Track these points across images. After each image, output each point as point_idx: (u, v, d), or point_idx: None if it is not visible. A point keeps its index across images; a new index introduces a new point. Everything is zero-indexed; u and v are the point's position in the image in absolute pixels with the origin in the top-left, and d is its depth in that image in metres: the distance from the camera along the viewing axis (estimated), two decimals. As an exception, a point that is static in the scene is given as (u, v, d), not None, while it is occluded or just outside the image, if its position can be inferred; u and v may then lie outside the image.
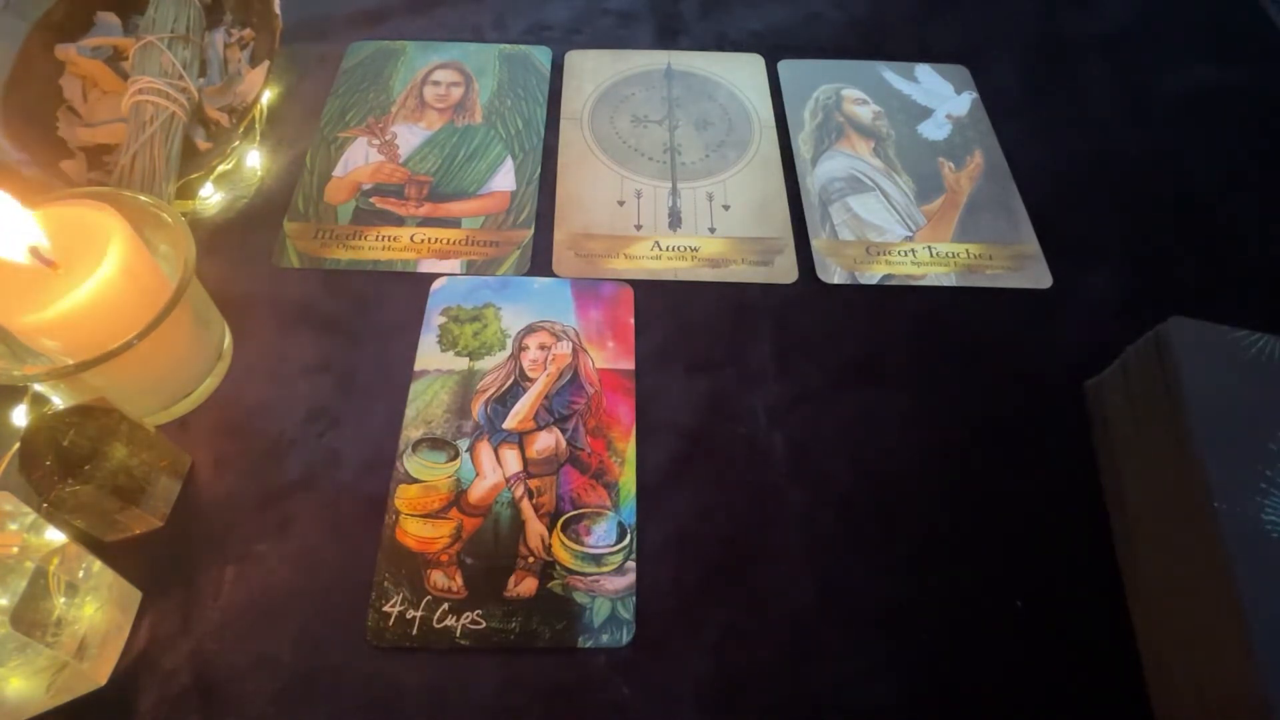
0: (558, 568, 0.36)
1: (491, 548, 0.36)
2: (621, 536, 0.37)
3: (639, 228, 0.48)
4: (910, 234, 0.48)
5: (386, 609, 0.34)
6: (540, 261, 0.46)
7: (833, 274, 0.46)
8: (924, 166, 0.51)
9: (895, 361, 0.43)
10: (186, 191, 0.47)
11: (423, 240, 0.47)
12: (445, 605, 0.35)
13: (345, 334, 0.43)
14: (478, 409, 0.40)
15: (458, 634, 0.34)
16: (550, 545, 0.36)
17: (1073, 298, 0.46)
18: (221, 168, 0.48)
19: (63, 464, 0.32)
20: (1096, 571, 0.37)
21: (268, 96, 0.52)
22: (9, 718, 0.30)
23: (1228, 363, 0.34)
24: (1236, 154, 0.52)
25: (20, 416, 0.38)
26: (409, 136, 0.51)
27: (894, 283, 0.46)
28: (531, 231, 0.47)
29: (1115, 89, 0.56)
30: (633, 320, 0.44)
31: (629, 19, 0.59)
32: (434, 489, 0.38)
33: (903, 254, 0.47)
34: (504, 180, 0.50)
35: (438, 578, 0.35)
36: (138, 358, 0.35)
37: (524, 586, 0.35)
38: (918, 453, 0.40)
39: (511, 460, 0.39)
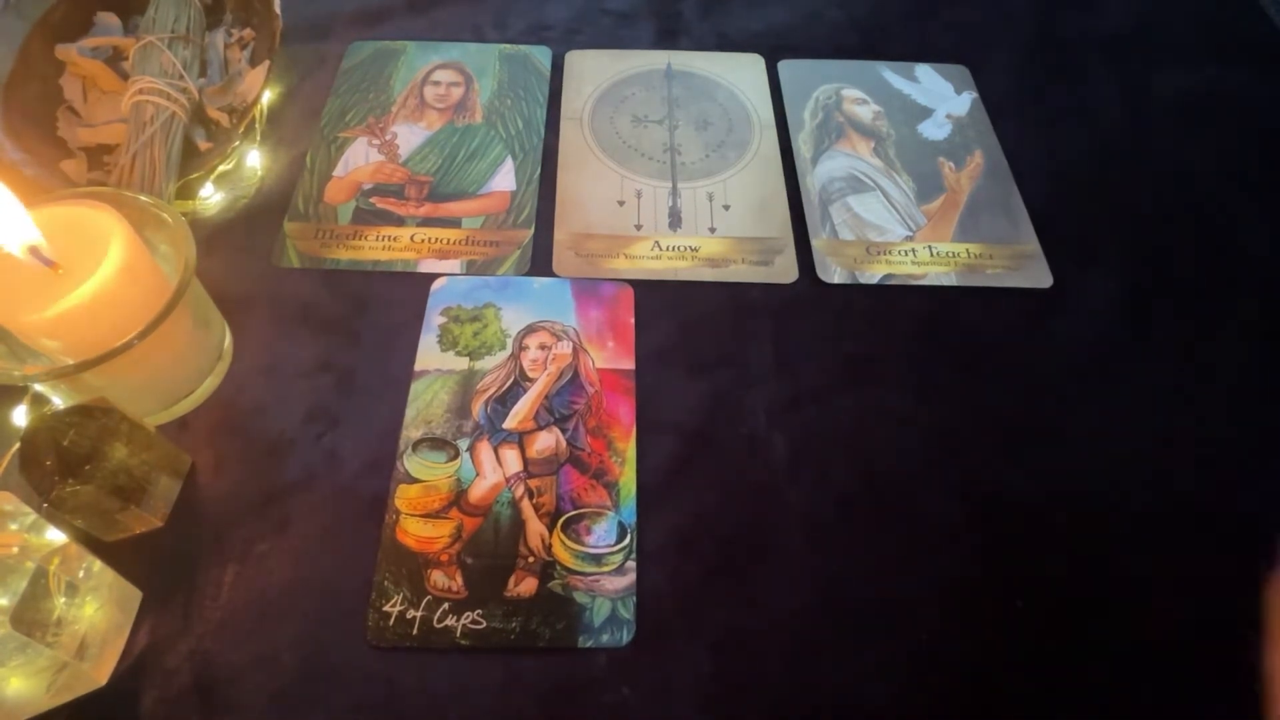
0: (558, 568, 0.36)
1: (491, 548, 0.36)
2: (621, 536, 0.37)
3: (639, 228, 0.48)
4: (910, 234, 0.48)
5: (386, 609, 0.34)
6: (540, 261, 0.46)
7: (833, 274, 0.46)
8: (924, 166, 0.51)
9: (895, 361, 0.43)
10: (186, 191, 0.47)
11: (423, 240, 0.47)
12: (445, 605, 0.35)
13: (345, 334, 0.43)
14: (478, 409, 0.40)
15: (458, 634, 0.34)
16: (550, 545, 0.36)
17: (1073, 298, 0.46)
18: (221, 168, 0.48)
19: (63, 464, 0.32)
20: (1096, 571, 0.37)
21: (268, 96, 0.52)
22: (9, 717, 0.30)
23: None
24: (1236, 154, 0.52)
25: (20, 416, 0.38)
26: (409, 136, 0.51)
27: (894, 282, 0.46)
28: (531, 231, 0.47)
29: (1115, 89, 0.56)
30: (633, 320, 0.44)
31: (629, 19, 0.59)
32: (434, 489, 0.38)
33: (903, 254, 0.47)
34: (504, 180, 0.50)
35: (438, 578, 0.35)
36: (138, 358, 0.35)
37: (524, 586, 0.35)
38: (917, 453, 0.40)
39: (511, 460, 0.39)
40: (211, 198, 0.48)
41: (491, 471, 0.38)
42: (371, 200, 0.48)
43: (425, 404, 0.40)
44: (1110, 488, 0.39)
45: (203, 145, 0.47)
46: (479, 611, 0.34)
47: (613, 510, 0.37)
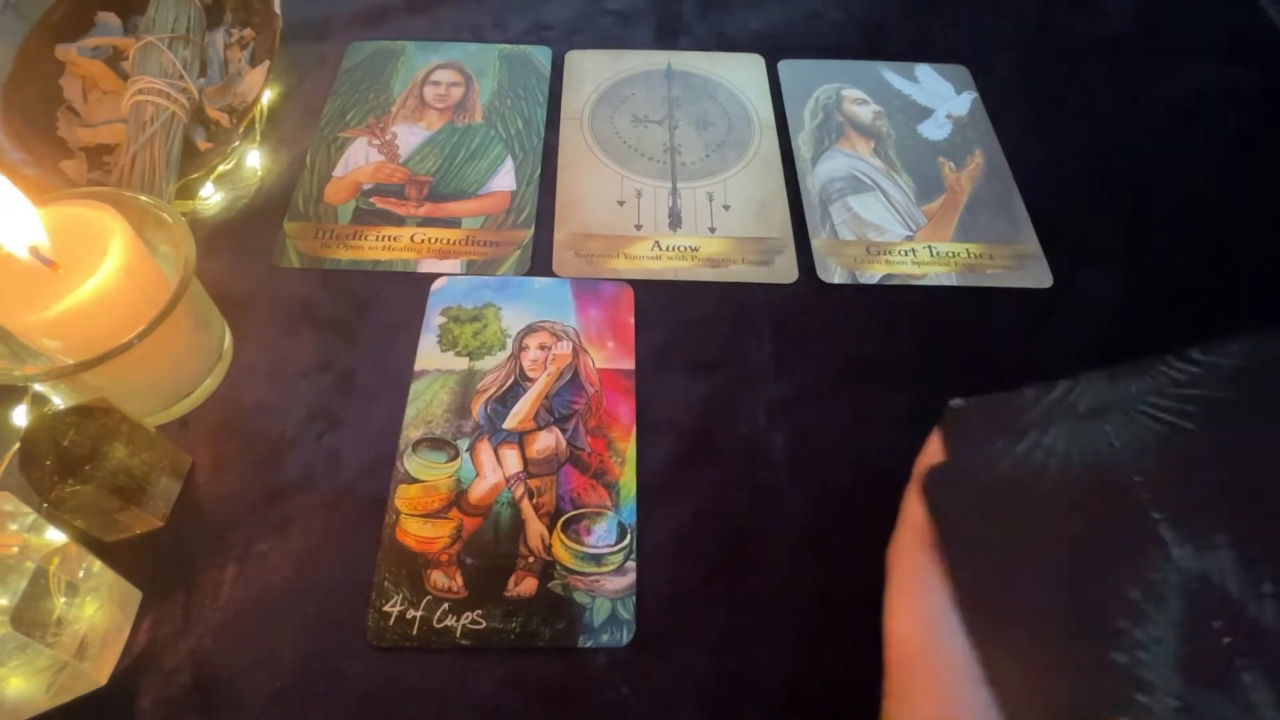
0: (558, 568, 0.36)
1: (491, 548, 0.36)
2: (621, 536, 0.37)
3: (639, 228, 0.48)
4: (910, 234, 0.48)
5: (386, 609, 0.34)
6: (540, 261, 0.46)
7: (833, 274, 0.46)
8: (924, 166, 0.51)
9: (895, 361, 0.43)
10: (186, 191, 0.47)
11: (423, 240, 0.47)
12: (445, 605, 0.35)
13: (345, 334, 0.43)
14: (478, 409, 0.40)
15: (458, 634, 0.34)
16: (550, 545, 0.36)
17: (1073, 298, 0.46)
18: (221, 168, 0.48)
19: (63, 464, 0.32)
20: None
21: (268, 96, 0.52)
22: (9, 718, 0.30)
23: None
24: (1237, 154, 0.52)
25: (20, 416, 0.38)
26: (409, 136, 0.51)
27: (894, 282, 0.46)
28: (531, 231, 0.47)
29: (1115, 89, 0.56)
30: (633, 320, 0.44)
31: (629, 19, 0.59)
32: (434, 489, 0.38)
33: (903, 254, 0.47)
34: (504, 180, 0.50)
35: (438, 578, 0.35)
36: (138, 358, 0.35)
37: (524, 586, 0.35)
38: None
39: (511, 460, 0.39)
40: (211, 198, 0.48)
41: (491, 471, 0.38)
42: (371, 200, 0.48)
43: (425, 404, 0.40)
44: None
45: (203, 145, 0.47)
46: (479, 611, 0.34)
47: (613, 510, 0.37)
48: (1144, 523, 0.19)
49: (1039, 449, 0.21)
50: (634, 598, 0.35)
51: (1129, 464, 0.20)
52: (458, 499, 0.37)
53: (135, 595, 0.34)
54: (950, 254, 0.47)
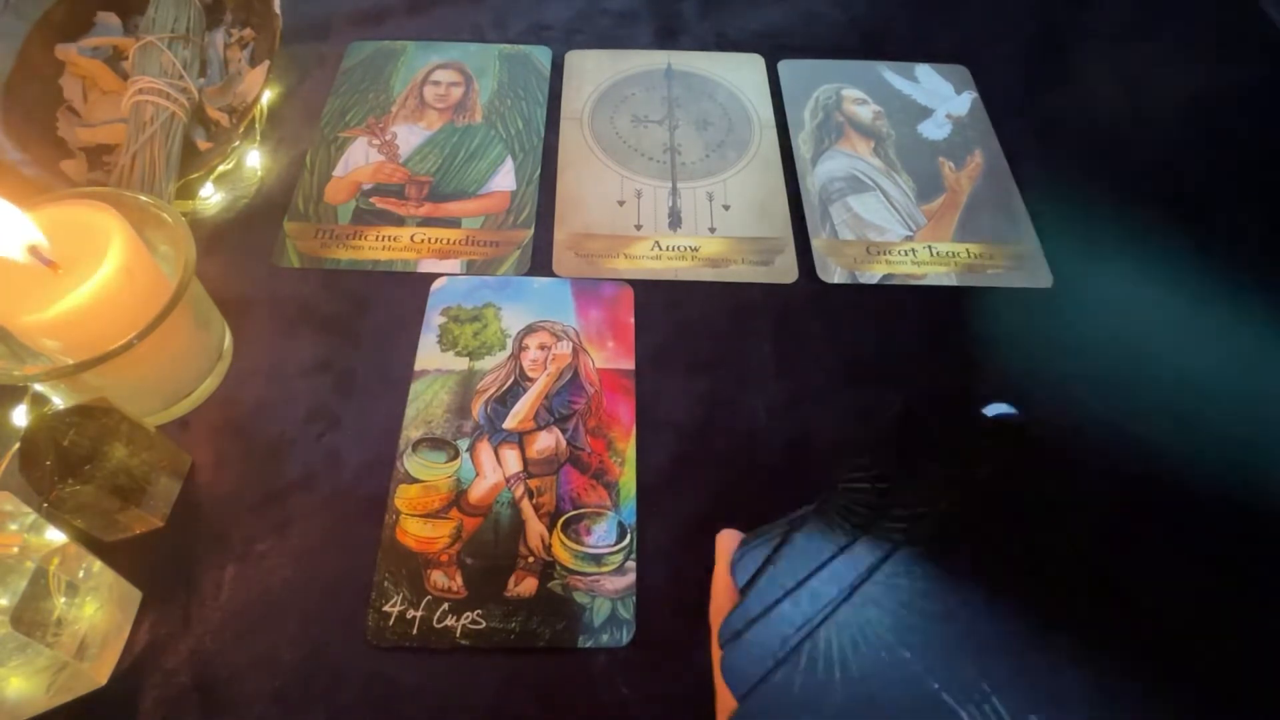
0: (558, 568, 0.36)
1: (491, 548, 0.36)
2: (621, 536, 0.37)
3: (639, 228, 0.48)
4: (910, 233, 0.48)
5: (386, 609, 0.34)
6: (540, 261, 0.46)
7: (833, 274, 0.46)
8: (924, 166, 0.51)
9: (895, 361, 0.43)
10: (186, 191, 0.47)
11: (423, 240, 0.47)
12: (445, 605, 0.35)
13: (345, 334, 0.43)
14: (478, 409, 0.40)
15: (458, 634, 0.34)
16: (550, 545, 0.36)
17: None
18: (221, 168, 0.48)
19: (63, 464, 0.32)
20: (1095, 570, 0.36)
21: (268, 96, 0.52)
22: (9, 717, 0.30)
23: None
24: (1236, 154, 0.52)
25: (20, 416, 0.38)
26: (409, 136, 0.51)
27: (894, 282, 0.46)
28: (531, 231, 0.47)
29: (1115, 88, 0.56)
30: (633, 320, 0.44)
31: (629, 19, 0.59)
32: (434, 489, 0.38)
33: (903, 253, 0.47)
34: (504, 180, 0.50)
35: (438, 578, 0.35)
36: (138, 358, 0.35)
37: (524, 586, 0.35)
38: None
39: (511, 460, 0.39)
40: (211, 198, 0.48)
41: (491, 471, 0.38)
42: (371, 200, 0.48)
43: (425, 404, 0.40)
44: (1108, 487, 0.39)
45: (203, 145, 0.47)
46: (479, 611, 0.34)
47: (613, 510, 0.37)
48: (932, 696, 0.21)
49: (819, 659, 0.23)
50: (634, 598, 0.35)
51: (898, 644, 0.22)
52: (458, 499, 0.37)
53: (135, 595, 0.34)
54: (950, 254, 0.47)
